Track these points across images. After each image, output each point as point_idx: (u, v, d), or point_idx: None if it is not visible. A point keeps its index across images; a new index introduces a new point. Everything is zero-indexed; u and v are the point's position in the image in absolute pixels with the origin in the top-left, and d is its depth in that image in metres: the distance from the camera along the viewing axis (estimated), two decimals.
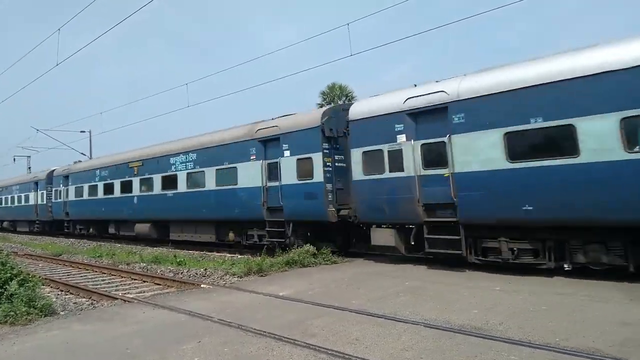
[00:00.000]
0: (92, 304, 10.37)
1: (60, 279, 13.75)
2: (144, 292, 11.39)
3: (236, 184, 16.53)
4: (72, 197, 28.60)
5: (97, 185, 25.71)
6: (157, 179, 20.81)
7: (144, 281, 12.92)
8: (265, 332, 6.66)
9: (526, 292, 8.24)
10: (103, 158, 27.13)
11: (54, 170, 32.12)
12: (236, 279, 11.83)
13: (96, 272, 15.31)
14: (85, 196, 26.93)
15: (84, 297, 11.14)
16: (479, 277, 10.02)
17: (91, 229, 28.30)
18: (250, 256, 14.69)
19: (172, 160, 20.01)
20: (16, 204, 37.50)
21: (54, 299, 10.35)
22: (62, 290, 12.16)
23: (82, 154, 40.78)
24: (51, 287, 12.59)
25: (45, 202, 32.23)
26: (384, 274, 11.07)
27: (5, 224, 42.56)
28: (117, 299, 10.32)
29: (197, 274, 13.17)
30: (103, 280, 13.69)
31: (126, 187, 23.07)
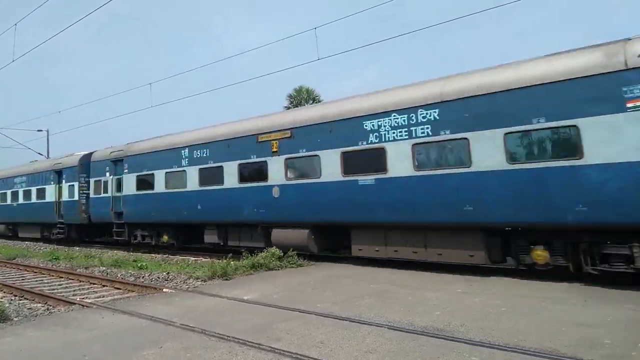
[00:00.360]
0: (48, 309, 10.00)
1: (14, 283, 13.19)
2: (104, 296, 11.07)
3: (579, 158, 8.94)
4: (130, 190, 19.75)
5: (185, 171, 17.21)
6: (329, 158, 12.85)
7: (104, 285, 12.55)
8: (229, 336, 6.57)
9: (487, 294, 8.45)
10: (194, 132, 17.78)
11: (91, 154, 23.27)
12: (200, 282, 11.63)
13: (52, 276, 14.76)
14: (160, 188, 18.21)
15: (39, 302, 10.72)
16: (441, 279, 10.20)
17: (165, 236, 19.05)
18: (214, 259, 14.48)
19: (369, 125, 12.13)
20: (21, 201, 28.14)
21: (7, 305, 9.91)
22: (15, 295, 11.68)
23: (39, 153, 39.42)
24: (4, 292, 12.09)
25: (76, 198, 23.18)
26: (349, 277, 11.12)
27: None
28: (74, 304, 9.99)
29: (159, 278, 12.90)
30: (60, 284, 13.22)
31: (253, 172, 15.00)
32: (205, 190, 16.39)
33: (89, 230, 24.11)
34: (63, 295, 11.12)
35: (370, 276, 11.03)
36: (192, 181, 16.88)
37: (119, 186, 20.50)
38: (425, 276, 10.70)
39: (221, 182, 15.82)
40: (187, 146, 17.34)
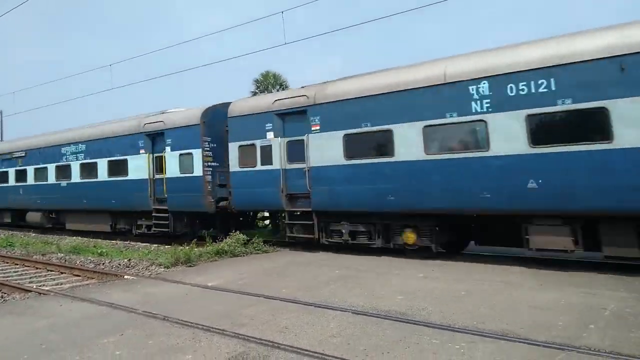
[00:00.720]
0: (1, 297, 9.64)
1: None
2: (62, 284, 10.76)
3: None
4: (329, 158, 12.21)
5: (483, 123, 9.94)
6: None
7: (62, 272, 12.20)
8: (192, 323, 6.51)
9: (448, 279, 8.66)
10: (501, 52, 10.23)
11: (227, 105, 15.07)
12: (162, 269, 11.46)
13: (7, 263, 14.22)
14: (409, 154, 10.87)
15: None
16: (404, 265, 10.37)
17: (411, 234, 11.17)
18: (177, 246, 14.26)
19: None
20: (76, 179, 19.71)
21: None
22: None
23: None
24: None
25: (198, 174, 15.30)
26: (314, 263, 11.17)
27: (21, 216, 23.50)
28: (30, 291, 9.67)
29: (120, 264, 12.63)
30: (15, 271, 12.75)
31: None
32: (551, 154, 9.07)
33: (209, 221, 16.51)
34: (18, 283, 10.74)
35: (335, 262, 11.11)
36: (508, 139, 9.59)
37: (307, 151, 12.77)
38: (388, 261, 10.86)
39: (605, 136, 8.51)
40: (483, 78, 9.90)
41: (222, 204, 15.14)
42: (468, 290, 7.76)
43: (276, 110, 13.43)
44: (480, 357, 4.91)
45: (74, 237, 19.55)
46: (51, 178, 21.07)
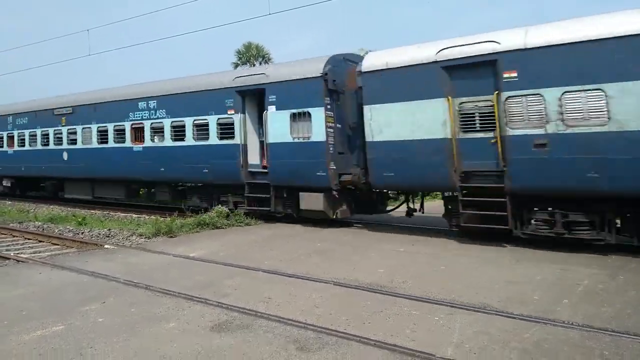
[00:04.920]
0: None
1: None
2: (40, 252, 10.63)
3: None
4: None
5: None
6: None
7: (40, 241, 12.02)
8: (175, 292, 6.54)
9: (427, 254, 8.82)
10: None
11: None
12: (143, 240, 11.40)
13: None
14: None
15: None
16: (385, 239, 10.51)
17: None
18: (159, 217, 14.14)
19: None
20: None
21: None
22: None
23: None
24: None
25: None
26: (296, 236, 11.24)
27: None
28: (8, 259, 9.56)
29: (100, 234, 12.50)
30: None
31: None
32: None
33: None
34: None
35: (316, 235, 11.19)
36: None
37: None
38: (370, 235, 10.99)
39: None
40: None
41: None
42: (447, 264, 7.94)
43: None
44: (458, 328, 5.06)
45: (51, 207, 19.24)
46: None
